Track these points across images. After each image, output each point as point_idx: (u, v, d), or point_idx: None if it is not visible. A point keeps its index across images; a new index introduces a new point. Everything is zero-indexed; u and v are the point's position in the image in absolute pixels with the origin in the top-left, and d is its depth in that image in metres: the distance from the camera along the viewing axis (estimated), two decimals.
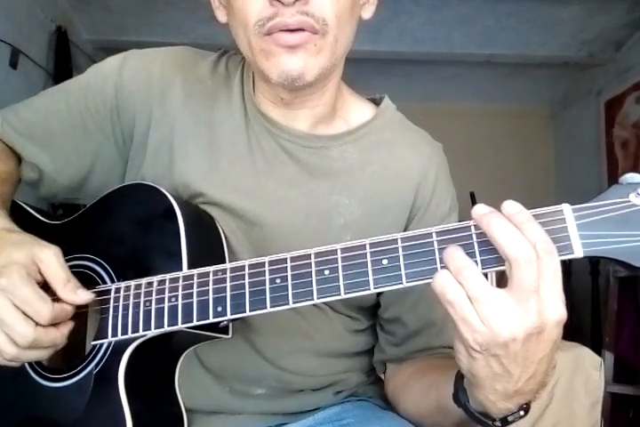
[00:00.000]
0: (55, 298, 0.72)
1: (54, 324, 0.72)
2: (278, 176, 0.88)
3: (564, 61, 3.81)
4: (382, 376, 0.96)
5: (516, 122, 4.37)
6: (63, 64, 3.02)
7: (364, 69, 3.50)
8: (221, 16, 0.87)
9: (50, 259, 0.72)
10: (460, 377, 0.67)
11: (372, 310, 0.94)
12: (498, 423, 0.65)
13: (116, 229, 0.83)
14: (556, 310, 0.56)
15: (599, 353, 2.16)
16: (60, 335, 0.72)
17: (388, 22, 3.31)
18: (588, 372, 2.00)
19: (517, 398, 0.62)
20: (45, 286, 0.73)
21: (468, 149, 4.07)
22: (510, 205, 0.58)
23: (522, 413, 0.64)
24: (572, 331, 3.15)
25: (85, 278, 0.81)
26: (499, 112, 4.34)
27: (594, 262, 3.31)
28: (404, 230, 0.89)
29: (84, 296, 0.74)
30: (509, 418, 0.64)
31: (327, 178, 0.89)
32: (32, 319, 0.69)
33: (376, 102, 0.96)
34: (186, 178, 0.87)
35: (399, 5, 3.20)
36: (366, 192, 0.89)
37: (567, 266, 3.53)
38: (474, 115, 4.30)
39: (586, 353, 2.03)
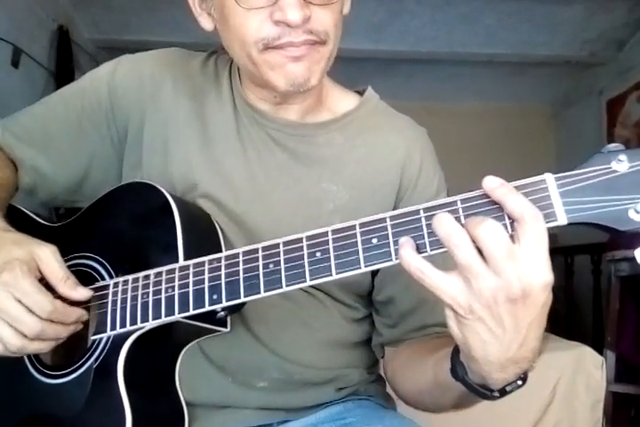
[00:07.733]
0: (57, 296, 0.74)
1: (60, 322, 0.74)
2: (268, 165, 0.90)
3: (566, 61, 3.81)
4: (382, 361, 0.97)
5: (518, 121, 4.38)
6: (65, 63, 3.03)
7: (366, 68, 3.51)
8: (207, 24, 0.87)
9: (48, 257, 0.75)
10: (456, 351, 0.67)
11: (369, 297, 0.95)
12: (496, 394, 0.65)
13: (113, 226, 0.85)
14: (539, 274, 0.56)
15: (601, 352, 2.16)
16: (63, 328, 0.74)
17: (389, 21, 3.31)
18: (589, 371, 2.00)
19: (512, 368, 0.62)
20: (47, 286, 0.74)
21: (468, 149, 4.07)
22: (490, 181, 0.59)
23: (519, 382, 0.64)
24: (574, 330, 3.16)
25: (85, 276, 0.82)
26: (500, 111, 4.35)
27: (596, 262, 3.31)
28: None
29: (83, 293, 0.77)
30: (507, 388, 0.65)
31: (315, 165, 0.91)
32: (33, 312, 0.71)
33: (359, 93, 0.99)
34: (182, 169, 0.89)
35: (401, 5, 3.21)
36: (353, 176, 0.91)
37: (569, 265, 3.52)
38: (475, 114, 4.30)
39: (587, 352, 2.03)
